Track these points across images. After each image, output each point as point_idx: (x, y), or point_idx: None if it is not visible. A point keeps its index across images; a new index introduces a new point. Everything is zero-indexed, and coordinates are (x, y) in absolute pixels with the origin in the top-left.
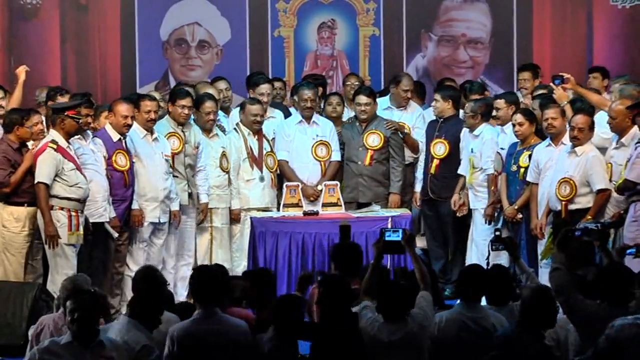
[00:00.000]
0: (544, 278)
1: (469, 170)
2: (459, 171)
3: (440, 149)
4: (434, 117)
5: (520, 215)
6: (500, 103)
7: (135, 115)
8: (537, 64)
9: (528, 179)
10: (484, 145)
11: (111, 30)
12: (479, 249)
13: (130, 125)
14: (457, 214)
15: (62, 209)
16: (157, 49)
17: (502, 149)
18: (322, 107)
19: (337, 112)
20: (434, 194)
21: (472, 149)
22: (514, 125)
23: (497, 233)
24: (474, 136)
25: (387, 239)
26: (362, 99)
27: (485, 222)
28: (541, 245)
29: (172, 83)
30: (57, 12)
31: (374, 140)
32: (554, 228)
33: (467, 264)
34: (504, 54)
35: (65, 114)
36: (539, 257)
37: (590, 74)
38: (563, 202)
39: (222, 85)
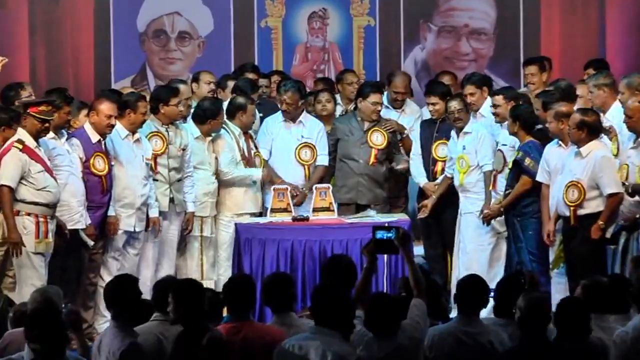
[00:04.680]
0: (556, 288)
1: (459, 170)
2: (417, 180)
3: (443, 151)
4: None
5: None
6: (498, 99)
7: (130, 116)
8: (545, 57)
9: (538, 178)
10: (481, 141)
11: (84, 20)
12: (469, 257)
13: (113, 126)
14: (418, 215)
15: (29, 214)
16: (134, 41)
17: (503, 145)
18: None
19: (327, 110)
20: (437, 202)
21: (464, 147)
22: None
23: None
24: (463, 133)
25: (378, 237)
26: (379, 97)
27: (484, 224)
28: (551, 253)
29: (150, 77)
30: (25, 1)
31: (377, 138)
32: (564, 235)
33: (454, 274)
34: (509, 46)
35: (28, 111)
36: (550, 265)
37: (586, 69)
38: (571, 208)
39: (208, 78)
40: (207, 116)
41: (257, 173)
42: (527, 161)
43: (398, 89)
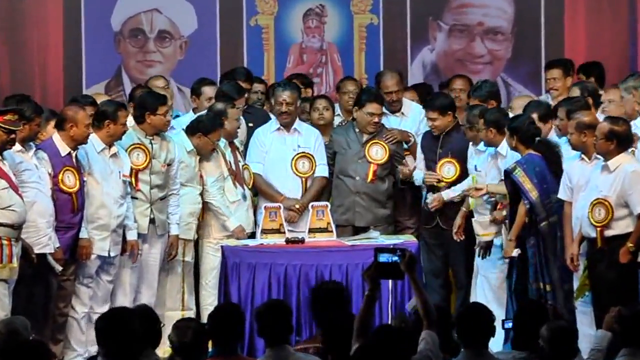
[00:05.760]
0: (581, 318)
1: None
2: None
3: (449, 170)
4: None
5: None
6: (480, 122)
7: (109, 128)
8: (569, 60)
9: (560, 196)
10: (489, 164)
11: (52, 19)
12: (488, 281)
13: (89, 134)
14: (456, 239)
15: None
16: (108, 41)
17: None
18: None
19: (324, 119)
20: (443, 223)
21: (475, 166)
22: None
23: None
24: (478, 151)
25: (381, 260)
26: (376, 107)
27: (478, 255)
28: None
29: (126, 82)
30: None
31: (377, 152)
32: (589, 259)
33: (471, 299)
34: (529, 47)
35: None
36: (574, 293)
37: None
38: (598, 228)
39: (156, 83)
40: (198, 128)
41: (233, 223)
42: (518, 172)
43: (389, 88)
